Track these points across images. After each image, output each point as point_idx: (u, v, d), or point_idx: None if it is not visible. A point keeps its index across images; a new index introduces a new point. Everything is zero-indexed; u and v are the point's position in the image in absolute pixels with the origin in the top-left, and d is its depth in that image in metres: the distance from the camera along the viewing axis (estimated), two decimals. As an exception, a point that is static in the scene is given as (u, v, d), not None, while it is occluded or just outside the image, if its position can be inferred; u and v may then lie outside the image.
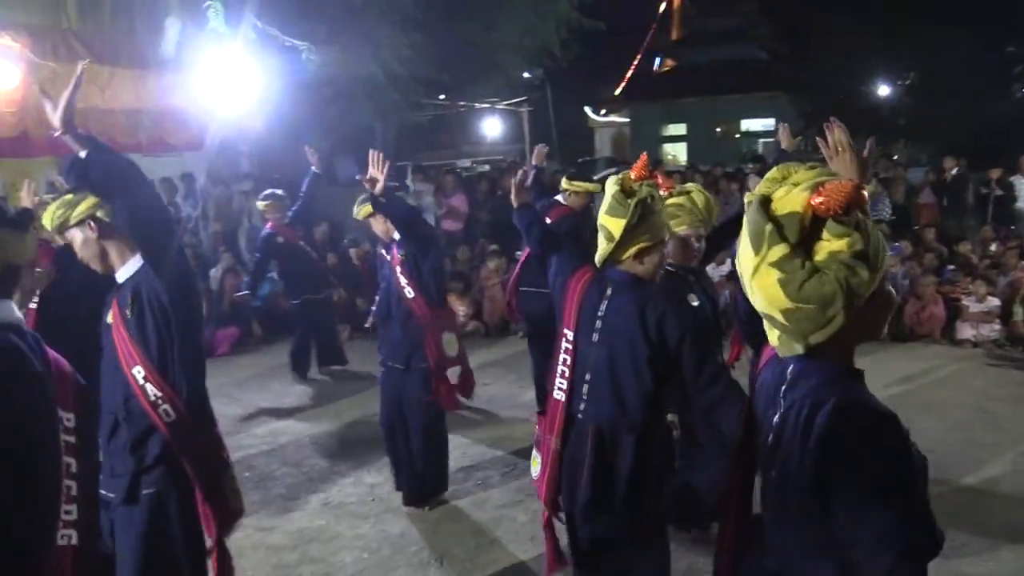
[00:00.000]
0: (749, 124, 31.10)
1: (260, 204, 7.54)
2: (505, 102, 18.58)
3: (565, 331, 2.99)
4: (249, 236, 11.03)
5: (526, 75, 27.11)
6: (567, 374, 2.97)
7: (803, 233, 1.56)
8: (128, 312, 2.54)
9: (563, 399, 2.96)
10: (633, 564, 2.89)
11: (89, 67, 9.02)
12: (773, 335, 1.68)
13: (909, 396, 6.49)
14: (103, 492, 2.49)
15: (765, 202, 1.62)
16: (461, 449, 5.53)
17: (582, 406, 2.92)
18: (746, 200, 1.75)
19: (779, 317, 1.58)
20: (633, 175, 2.83)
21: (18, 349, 1.65)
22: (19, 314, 1.78)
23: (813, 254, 1.56)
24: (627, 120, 34.15)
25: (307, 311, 7.47)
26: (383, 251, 4.80)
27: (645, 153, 2.93)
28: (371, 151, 4.14)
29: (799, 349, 1.61)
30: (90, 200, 2.57)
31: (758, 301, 1.62)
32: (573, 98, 32.63)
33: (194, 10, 8.34)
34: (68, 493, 1.72)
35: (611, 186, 2.81)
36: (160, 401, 2.52)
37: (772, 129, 29.46)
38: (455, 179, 11.17)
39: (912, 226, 10.56)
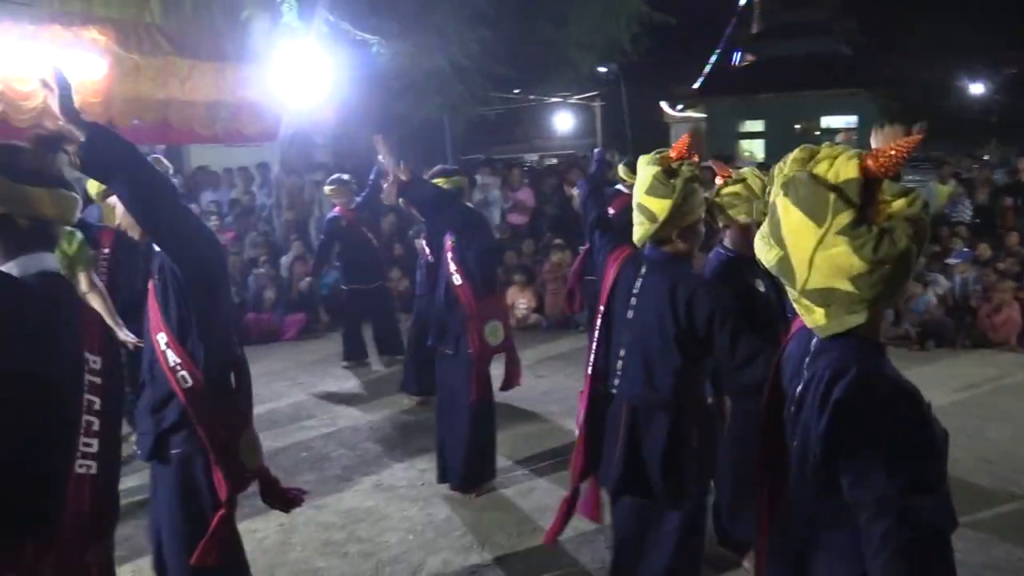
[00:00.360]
0: (829, 121, 30.23)
1: (327, 189, 7.72)
2: (577, 96, 18.52)
3: (600, 307, 3.06)
4: (319, 225, 11.31)
5: (601, 69, 27.03)
6: (599, 350, 3.04)
7: (865, 203, 1.57)
8: (156, 281, 2.69)
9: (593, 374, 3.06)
10: (664, 537, 2.91)
11: (171, 60, 9.40)
12: (817, 314, 1.65)
13: (977, 403, 6.28)
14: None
15: (815, 176, 1.62)
16: (512, 439, 5.59)
17: (616, 382, 2.97)
18: (778, 184, 1.70)
19: (847, 286, 1.57)
20: (673, 155, 2.86)
21: (46, 295, 1.78)
22: (54, 265, 1.92)
23: (872, 218, 1.58)
24: (704, 116, 33.63)
25: (357, 300, 7.58)
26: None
27: (687, 134, 2.93)
28: (375, 136, 4.27)
29: (856, 320, 1.60)
30: None
31: (819, 276, 1.60)
32: (648, 93, 32.29)
33: (269, 5, 8.60)
34: (90, 428, 1.86)
35: (648, 167, 2.84)
36: (178, 367, 2.65)
37: (854, 126, 28.74)
38: (521, 173, 11.23)
39: (996, 229, 10.15)
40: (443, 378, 4.76)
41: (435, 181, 4.86)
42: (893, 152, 1.55)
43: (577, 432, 3.20)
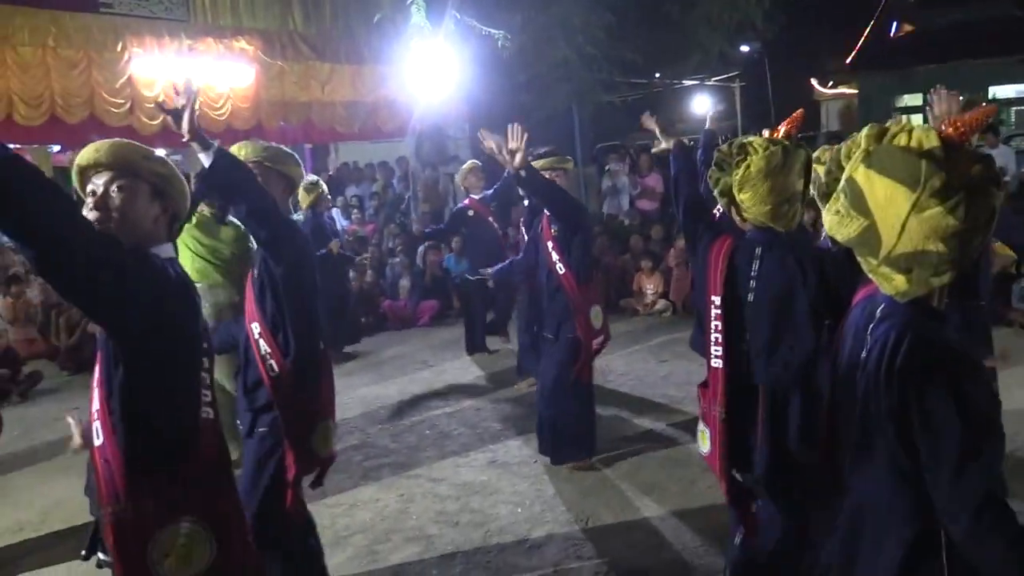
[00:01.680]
0: (998, 91, 27.90)
1: (457, 177, 7.96)
2: (715, 78, 18.08)
3: (713, 299, 3.01)
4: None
5: (743, 48, 26.16)
6: (721, 340, 2.99)
7: (952, 166, 1.65)
8: (255, 275, 2.98)
9: (722, 366, 2.97)
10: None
11: (312, 65, 10.03)
12: (899, 280, 1.72)
13: None
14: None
15: (903, 146, 1.70)
16: (626, 420, 5.68)
17: (745, 369, 2.94)
18: (858, 159, 1.75)
19: (939, 247, 1.65)
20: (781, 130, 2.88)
21: (171, 274, 2.11)
22: (172, 253, 2.24)
23: (957, 183, 1.65)
24: (855, 91, 31.88)
25: (480, 290, 7.78)
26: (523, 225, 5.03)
27: (800, 110, 2.92)
28: (510, 125, 4.32)
29: (942, 281, 1.69)
30: None
31: (910, 240, 1.67)
32: (796, 70, 31.00)
33: (401, 7, 9.00)
34: (205, 382, 2.18)
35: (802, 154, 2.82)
36: (268, 356, 2.93)
37: (1025, 95, 26.39)
38: (650, 158, 11.17)
39: None
40: (545, 362, 4.91)
41: (539, 164, 4.89)
42: (969, 119, 1.66)
43: (705, 423, 3.08)
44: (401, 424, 6.09)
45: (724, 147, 2.87)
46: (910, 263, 1.69)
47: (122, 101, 8.52)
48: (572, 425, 4.83)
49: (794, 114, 3.10)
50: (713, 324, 2.99)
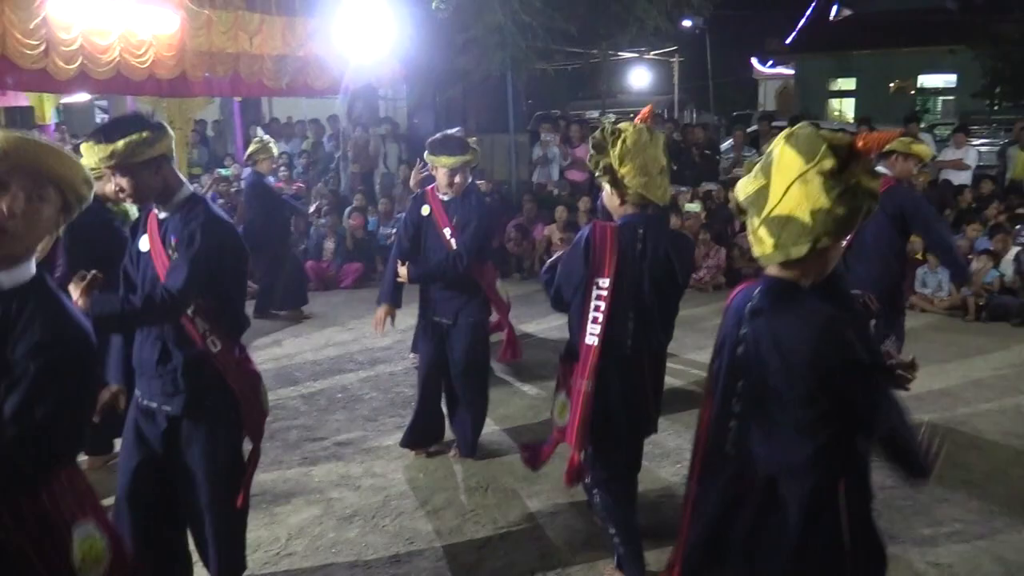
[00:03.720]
0: (926, 80, 28.75)
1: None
2: (654, 52, 18.16)
3: (598, 280, 3.15)
4: (383, 181, 11.61)
5: (686, 23, 26.31)
6: (602, 319, 3.16)
7: (844, 162, 1.94)
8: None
9: (597, 343, 3.16)
10: None
11: (241, 14, 9.73)
12: (767, 244, 1.99)
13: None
14: (149, 403, 2.97)
15: (819, 130, 2.02)
16: (533, 389, 5.78)
17: (630, 342, 3.19)
18: (783, 136, 2.03)
19: (806, 217, 1.91)
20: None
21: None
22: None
23: (846, 179, 1.96)
24: (792, 72, 32.41)
25: None
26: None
27: (648, 107, 3.00)
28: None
29: (797, 253, 1.96)
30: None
31: (788, 203, 1.95)
32: (736, 48, 31.35)
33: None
34: None
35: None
36: (207, 333, 2.91)
37: (953, 86, 27.27)
38: (581, 129, 11.22)
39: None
40: (457, 348, 4.69)
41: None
42: (876, 139, 1.95)
43: (567, 395, 3.34)
44: (313, 387, 6.07)
45: (598, 134, 3.12)
46: (780, 227, 1.96)
47: (36, 43, 8.13)
48: (480, 412, 4.79)
49: (642, 110, 3.38)
50: (593, 304, 3.15)
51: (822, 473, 2.04)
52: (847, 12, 33.66)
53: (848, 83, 30.68)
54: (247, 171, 8.65)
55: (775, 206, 1.97)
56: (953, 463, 4.61)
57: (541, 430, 5.10)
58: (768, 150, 2.05)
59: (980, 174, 10.83)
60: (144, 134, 2.67)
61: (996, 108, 23.62)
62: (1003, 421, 5.24)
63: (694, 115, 23.30)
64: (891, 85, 28.74)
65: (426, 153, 4.50)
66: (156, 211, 2.93)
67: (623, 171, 3.02)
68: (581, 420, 3.19)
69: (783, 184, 1.96)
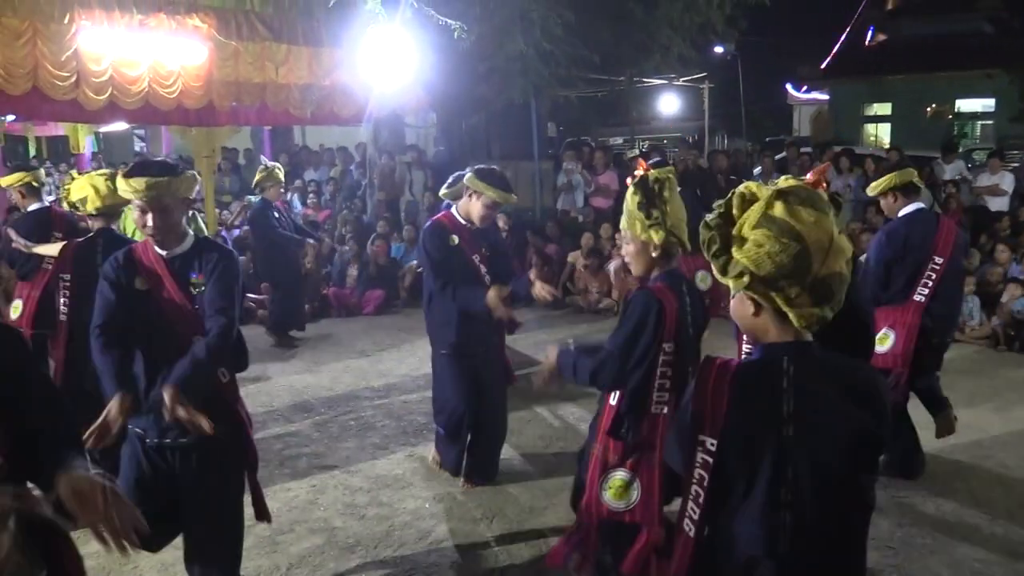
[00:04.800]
0: (963, 104, 28.31)
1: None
2: (684, 79, 18.13)
3: (665, 346, 2.93)
4: (408, 208, 11.68)
5: (717, 49, 26.27)
6: (668, 386, 2.96)
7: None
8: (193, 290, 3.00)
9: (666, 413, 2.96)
10: None
11: (268, 45, 9.86)
12: (810, 311, 1.79)
13: None
14: (162, 440, 2.97)
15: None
16: (551, 418, 5.71)
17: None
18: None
19: (846, 271, 1.83)
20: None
21: None
22: None
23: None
24: (826, 98, 32.15)
25: None
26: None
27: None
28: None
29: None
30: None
31: (831, 264, 1.81)
32: (769, 74, 31.23)
33: (362, -8, 8.89)
34: None
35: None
36: None
37: (991, 110, 26.82)
38: (605, 156, 11.20)
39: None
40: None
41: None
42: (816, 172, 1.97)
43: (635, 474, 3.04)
44: (327, 414, 6.07)
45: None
46: (826, 288, 1.83)
47: (68, 75, 8.33)
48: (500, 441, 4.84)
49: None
50: (660, 371, 2.93)
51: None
52: (882, 37, 33.44)
53: (884, 108, 30.35)
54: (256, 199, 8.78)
55: (819, 268, 1.76)
56: (976, 500, 4.47)
57: (553, 460, 5.05)
58: (766, 214, 1.79)
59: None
60: (164, 179, 2.85)
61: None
62: (1030, 455, 5.05)
63: (724, 141, 23.16)
64: (928, 110, 28.34)
65: (472, 178, 4.35)
66: (159, 250, 2.98)
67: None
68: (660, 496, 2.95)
69: (823, 243, 1.76)
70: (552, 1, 9.69)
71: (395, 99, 10.68)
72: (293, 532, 4.23)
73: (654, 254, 2.92)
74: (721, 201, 1.90)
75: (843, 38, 33.36)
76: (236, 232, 11.38)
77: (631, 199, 2.93)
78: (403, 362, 7.45)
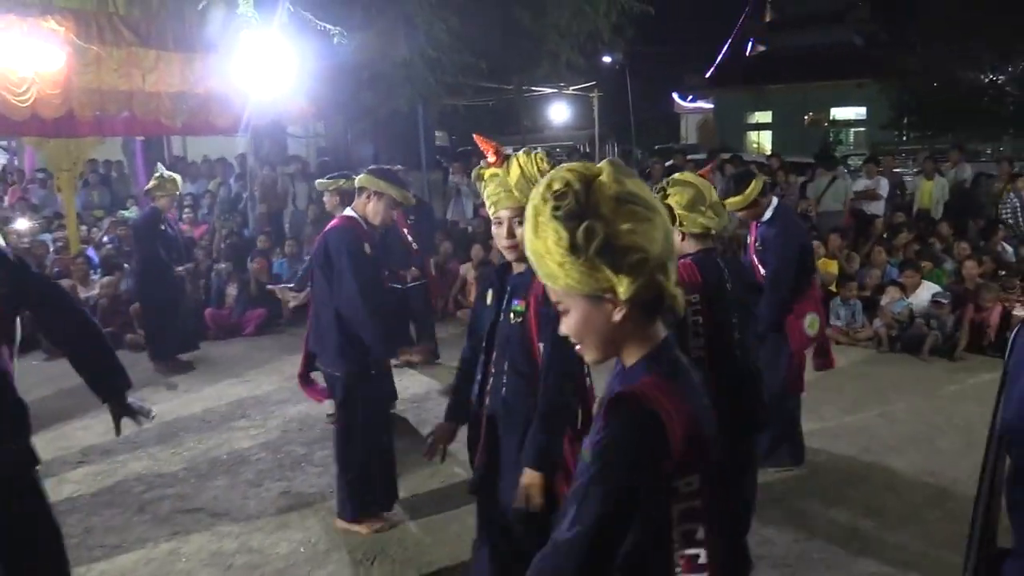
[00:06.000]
0: (838, 112, 29.71)
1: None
2: (573, 87, 18.19)
3: None
4: (293, 219, 11.17)
5: (606, 59, 26.59)
6: None
7: None
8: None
9: None
10: None
11: (134, 51, 9.18)
12: None
13: (936, 411, 6.02)
14: None
15: None
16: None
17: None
18: None
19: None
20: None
21: None
22: None
23: None
24: (711, 106, 33.19)
25: None
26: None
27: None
28: None
29: None
30: None
31: None
32: (658, 83, 31.93)
33: (237, -6, 8.39)
34: None
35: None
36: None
37: (863, 118, 28.20)
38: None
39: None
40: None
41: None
42: None
43: None
44: (195, 448, 5.58)
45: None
46: None
47: (-100, 80, 7.54)
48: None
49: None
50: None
51: None
52: (761, 48, 34.79)
53: (765, 116, 31.54)
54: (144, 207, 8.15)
55: None
56: (868, 508, 4.44)
57: (440, 492, 4.75)
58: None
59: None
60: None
61: (904, 139, 24.43)
62: (917, 459, 5.09)
63: (615, 149, 23.48)
64: (806, 118, 29.58)
65: (369, 177, 4.19)
66: None
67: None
68: None
69: None
70: (438, 7, 9.42)
71: (275, 107, 10.16)
72: (149, 590, 3.79)
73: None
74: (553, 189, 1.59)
75: (725, 49, 34.58)
76: (107, 247, 10.63)
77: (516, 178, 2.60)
78: (284, 385, 6.99)
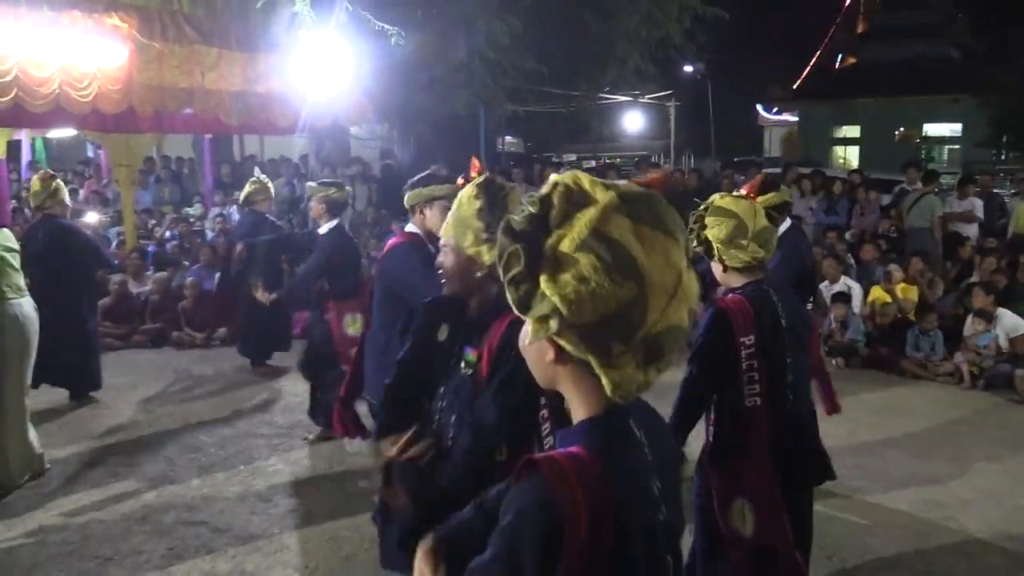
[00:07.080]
0: (931, 128, 28.31)
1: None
2: (649, 96, 17.74)
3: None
4: (352, 222, 11.07)
5: (687, 68, 25.99)
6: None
7: None
8: None
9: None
10: None
11: (196, 49, 9.17)
12: None
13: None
14: None
15: None
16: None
17: None
18: None
19: None
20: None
21: None
22: None
23: None
24: (796, 119, 32.14)
25: None
26: None
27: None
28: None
29: None
30: None
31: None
32: (741, 94, 31.13)
33: (299, -5, 8.30)
34: None
35: None
36: None
37: (958, 135, 26.79)
38: (551, 173, 10.67)
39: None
40: None
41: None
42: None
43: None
44: (215, 455, 5.40)
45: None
46: None
47: (-35, 73, 7.65)
48: None
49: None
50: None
51: None
52: (851, 60, 33.50)
53: (852, 130, 30.36)
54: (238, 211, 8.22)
55: (656, 321, 1.47)
56: (932, 575, 3.91)
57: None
58: (598, 231, 1.33)
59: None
60: None
61: (1002, 158, 23.08)
62: (995, 519, 4.50)
63: (692, 160, 22.87)
64: (896, 133, 28.30)
65: (414, 194, 3.71)
66: None
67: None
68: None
69: (667, 286, 1.32)
70: (500, 8, 9.15)
71: (334, 108, 10.07)
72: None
73: (478, 274, 2.31)
74: (535, 195, 1.28)
75: (813, 61, 33.44)
76: (171, 243, 10.73)
77: (467, 203, 2.29)
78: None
